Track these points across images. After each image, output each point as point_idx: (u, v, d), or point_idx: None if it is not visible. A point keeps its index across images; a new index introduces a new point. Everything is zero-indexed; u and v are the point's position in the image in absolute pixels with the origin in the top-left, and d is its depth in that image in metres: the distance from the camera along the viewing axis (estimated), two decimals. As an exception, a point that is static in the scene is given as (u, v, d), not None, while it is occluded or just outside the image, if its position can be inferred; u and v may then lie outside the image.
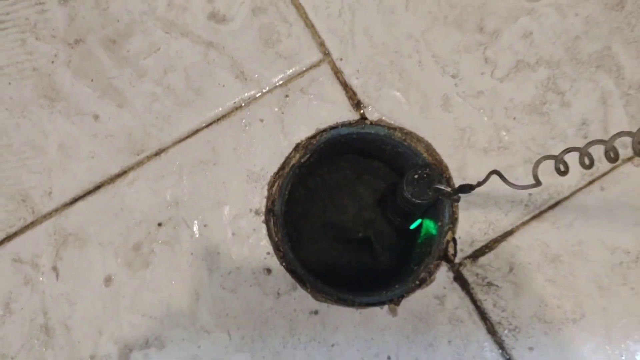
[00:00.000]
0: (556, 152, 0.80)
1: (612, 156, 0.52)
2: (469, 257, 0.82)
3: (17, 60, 0.88)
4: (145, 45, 0.88)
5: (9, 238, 0.83)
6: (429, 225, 0.90)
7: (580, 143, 0.82)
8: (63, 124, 0.86)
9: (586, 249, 0.81)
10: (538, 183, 0.60)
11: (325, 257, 1.04)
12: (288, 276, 0.82)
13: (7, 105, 0.87)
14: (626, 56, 0.87)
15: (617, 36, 0.88)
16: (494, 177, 0.67)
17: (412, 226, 0.94)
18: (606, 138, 0.81)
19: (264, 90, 0.87)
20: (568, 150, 0.56)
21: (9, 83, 0.87)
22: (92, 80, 0.87)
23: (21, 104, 0.87)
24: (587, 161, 0.55)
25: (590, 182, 0.84)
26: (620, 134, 0.49)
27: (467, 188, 0.72)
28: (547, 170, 0.61)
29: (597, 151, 0.54)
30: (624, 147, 0.85)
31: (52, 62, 0.88)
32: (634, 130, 0.50)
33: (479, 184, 0.69)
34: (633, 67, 0.86)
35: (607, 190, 0.83)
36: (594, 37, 0.88)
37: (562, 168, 0.58)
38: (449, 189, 0.74)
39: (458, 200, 0.83)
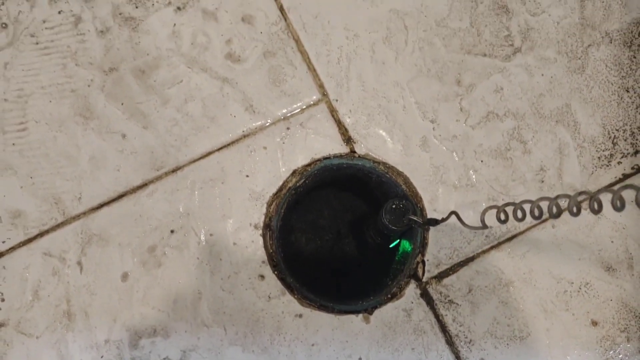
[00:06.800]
0: (515, 193, 0.92)
1: (575, 211, 0.54)
2: (434, 277, 0.89)
3: (57, 82, 0.93)
4: (169, 77, 0.94)
5: (42, 234, 0.89)
6: (405, 245, 0.98)
7: (537, 186, 0.94)
8: (95, 139, 0.91)
9: (535, 277, 0.89)
10: (484, 227, 0.68)
11: (312, 266, 1.15)
12: (279, 283, 0.88)
13: (47, 120, 0.92)
14: (583, 113, 0.95)
15: (577, 96, 0.96)
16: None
17: (391, 245, 1.02)
18: (559, 183, 0.92)
19: (269, 122, 0.93)
20: (506, 204, 0.63)
21: (50, 101, 0.92)
22: (122, 104, 0.93)
23: (59, 120, 0.92)
24: (519, 214, 0.61)
25: (543, 221, 0.92)
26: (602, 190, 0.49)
27: (434, 222, 0.79)
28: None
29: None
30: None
31: (89, 85, 0.93)
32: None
33: (443, 220, 0.77)
34: (588, 123, 0.95)
35: (557, 228, 0.91)
36: (556, 95, 0.96)
37: (502, 217, 0.63)
38: (420, 220, 0.82)
39: (428, 229, 0.94)
